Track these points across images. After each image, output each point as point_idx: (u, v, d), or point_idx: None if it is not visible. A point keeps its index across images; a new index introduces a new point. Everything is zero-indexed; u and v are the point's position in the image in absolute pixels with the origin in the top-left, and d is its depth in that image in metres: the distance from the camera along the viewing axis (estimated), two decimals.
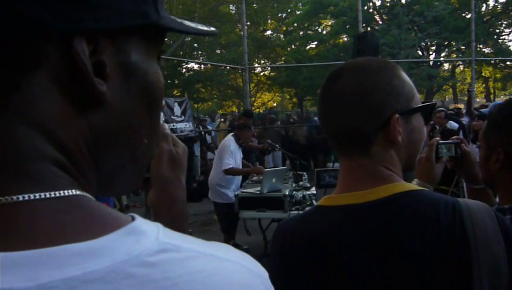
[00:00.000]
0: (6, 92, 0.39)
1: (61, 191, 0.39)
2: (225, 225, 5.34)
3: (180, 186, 0.80)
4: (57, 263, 0.34)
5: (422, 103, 0.98)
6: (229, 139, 5.45)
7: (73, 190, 0.40)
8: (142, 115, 0.48)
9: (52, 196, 0.38)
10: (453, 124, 7.55)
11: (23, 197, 0.36)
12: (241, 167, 5.59)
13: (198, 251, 0.40)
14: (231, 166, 5.22)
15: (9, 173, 0.37)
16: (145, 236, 0.38)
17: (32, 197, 0.37)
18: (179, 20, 0.50)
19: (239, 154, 5.49)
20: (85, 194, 0.41)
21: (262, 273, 0.44)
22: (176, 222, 0.73)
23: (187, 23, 0.51)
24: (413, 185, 0.94)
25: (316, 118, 11.52)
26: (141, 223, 0.40)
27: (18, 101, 0.39)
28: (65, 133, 0.41)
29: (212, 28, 0.56)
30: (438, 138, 1.46)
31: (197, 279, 0.38)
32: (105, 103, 0.43)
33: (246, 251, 0.48)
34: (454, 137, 1.50)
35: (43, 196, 0.37)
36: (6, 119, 0.39)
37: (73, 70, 0.40)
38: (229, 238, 5.28)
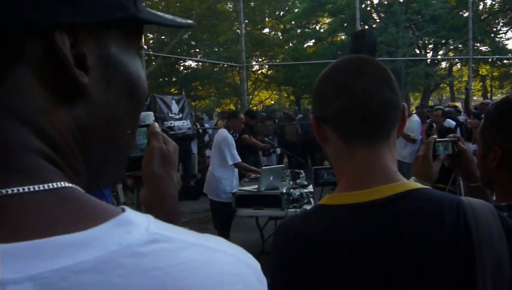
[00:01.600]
0: None
1: (50, 184, 0.39)
2: (219, 222, 5.29)
3: (171, 183, 0.80)
4: (48, 254, 0.34)
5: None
6: (223, 131, 5.36)
7: (63, 182, 0.40)
8: (124, 105, 0.49)
9: (41, 188, 0.38)
10: (450, 122, 7.57)
11: (12, 190, 0.37)
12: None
13: (189, 241, 0.40)
14: (240, 161, 5.21)
15: (2, 166, 0.38)
16: (136, 227, 0.39)
17: (21, 190, 0.37)
18: (157, 13, 0.51)
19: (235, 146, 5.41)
20: (74, 186, 0.41)
21: (254, 264, 0.44)
22: (168, 219, 0.74)
23: (165, 16, 0.53)
24: (417, 184, 0.94)
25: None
26: (131, 214, 0.40)
27: (2, 94, 0.39)
28: (50, 126, 0.42)
29: (189, 21, 0.57)
30: (435, 136, 1.47)
31: (188, 269, 0.38)
32: (87, 95, 0.43)
33: None
34: (451, 135, 1.50)
35: (31, 189, 0.37)
36: None
37: (55, 63, 0.41)
38: (223, 236, 5.23)
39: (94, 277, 0.34)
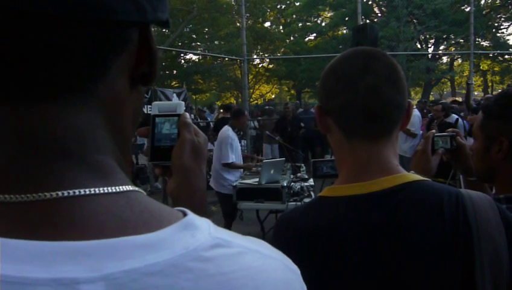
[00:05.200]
0: (96, 77, 0.40)
1: (121, 187, 0.40)
2: (227, 212, 5.45)
3: (201, 176, 0.79)
4: (119, 254, 0.34)
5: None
6: (227, 129, 5.50)
7: (130, 186, 0.41)
8: None
9: (114, 190, 0.39)
10: (452, 117, 7.53)
11: (90, 191, 0.37)
12: (241, 157, 5.72)
13: (246, 246, 0.42)
14: (232, 161, 5.33)
15: (84, 167, 0.39)
16: (199, 231, 0.40)
17: (97, 191, 0.38)
18: None
19: (238, 143, 5.57)
20: (138, 189, 0.42)
21: (297, 270, 0.46)
22: (196, 212, 0.75)
23: None
24: (417, 176, 0.94)
25: (312, 110, 11.45)
26: (194, 218, 0.41)
27: (103, 87, 0.40)
28: (123, 118, 0.44)
29: None
30: (433, 131, 1.48)
31: (248, 275, 0.39)
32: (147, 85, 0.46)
33: None
34: (450, 130, 1.51)
35: (106, 191, 0.38)
36: (90, 108, 0.40)
37: (143, 53, 0.43)
38: (227, 225, 5.35)
39: (163, 280, 0.35)
